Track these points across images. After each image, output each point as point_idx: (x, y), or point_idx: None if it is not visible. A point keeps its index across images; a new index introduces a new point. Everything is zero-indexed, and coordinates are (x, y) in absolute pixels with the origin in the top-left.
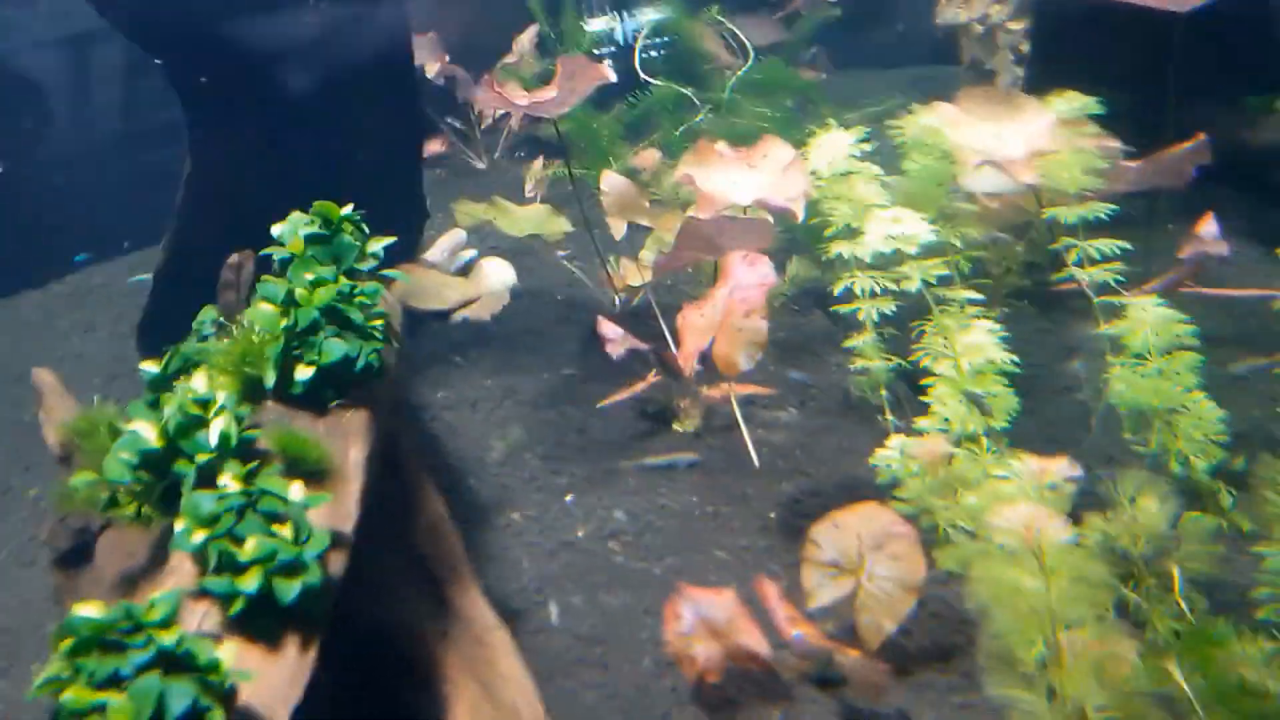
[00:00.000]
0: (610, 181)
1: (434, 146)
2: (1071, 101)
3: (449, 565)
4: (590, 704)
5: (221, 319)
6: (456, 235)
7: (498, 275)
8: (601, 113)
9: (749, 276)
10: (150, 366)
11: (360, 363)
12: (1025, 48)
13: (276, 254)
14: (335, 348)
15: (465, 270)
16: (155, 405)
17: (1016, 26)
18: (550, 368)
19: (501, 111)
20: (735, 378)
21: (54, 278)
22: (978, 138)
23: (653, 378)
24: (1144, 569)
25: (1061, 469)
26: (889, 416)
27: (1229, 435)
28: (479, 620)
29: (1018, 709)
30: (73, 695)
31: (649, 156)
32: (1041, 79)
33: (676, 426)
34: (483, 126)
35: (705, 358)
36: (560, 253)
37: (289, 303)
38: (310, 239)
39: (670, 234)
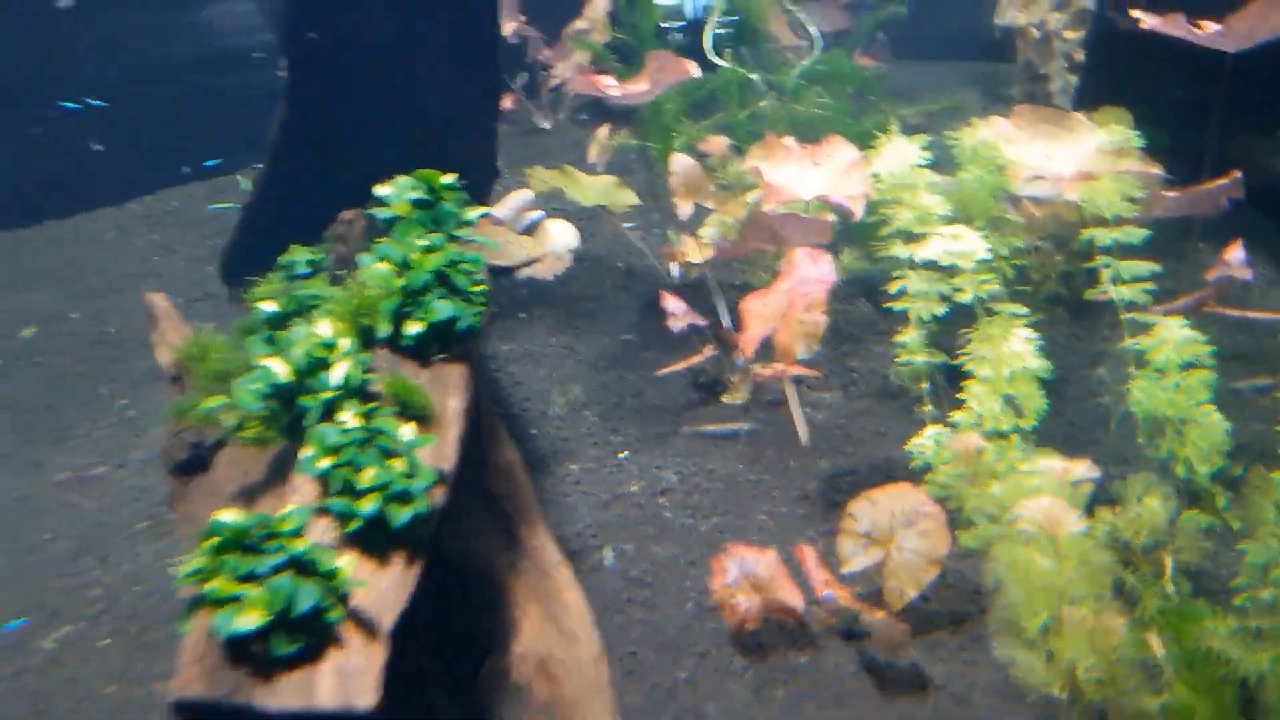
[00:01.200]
0: (679, 163)
1: (502, 103)
2: (1119, 132)
3: (520, 506)
4: (637, 638)
5: (330, 268)
6: (524, 195)
7: (561, 238)
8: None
9: (812, 271)
10: (268, 305)
11: (463, 324)
12: (1079, 56)
13: (381, 214)
14: (444, 308)
15: (530, 230)
16: (271, 341)
17: (1072, 35)
18: (609, 332)
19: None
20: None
21: (129, 198)
22: (1030, 154)
23: (708, 351)
24: (1142, 558)
25: (1083, 470)
26: (927, 407)
27: (1231, 445)
28: (545, 556)
29: (1020, 666)
30: (216, 586)
31: (717, 143)
32: (1093, 93)
33: (725, 399)
34: (549, 87)
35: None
36: (626, 224)
37: (404, 265)
38: (415, 203)
39: (731, 217)
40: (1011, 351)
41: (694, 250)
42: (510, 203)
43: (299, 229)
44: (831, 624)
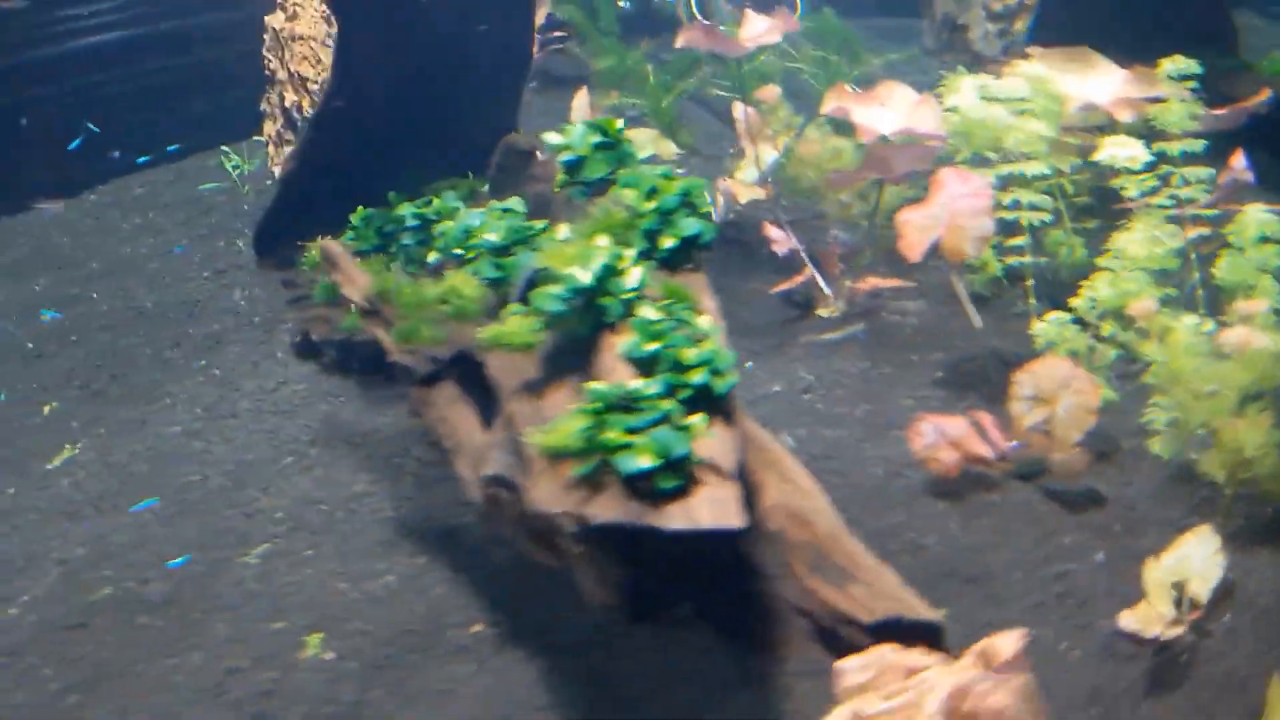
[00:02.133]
0: (741, 110)
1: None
2: (1178, 64)
3: None
4: (843, 497)
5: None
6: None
7: None
8: (630, 49)
9: (962, 187)
10: (492, 237)
11: (706, 237)
12: (997, 6)
13: (566, 155)
14: (691, 224)
15: None
16: (499, 267)
17: None
18: None
19: None
20: (881, 273)
21: (85, 186)
22: (1068, 87)
23: (807, 272)
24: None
25: (1261, 305)
26: (1032, 301)
27: None
28: (758, 437)
29: (1195, 463)
30: (610, 436)
31: (770, 92)
32: (1049, 34)
33: (820, 312)
34: None
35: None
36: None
37: (651, 191)
38: (597, 146)
39: (773, 155)
40: (1157, 236)
41: (740, 191)
42: None
43: (336, 198)
44: (1009, 470)
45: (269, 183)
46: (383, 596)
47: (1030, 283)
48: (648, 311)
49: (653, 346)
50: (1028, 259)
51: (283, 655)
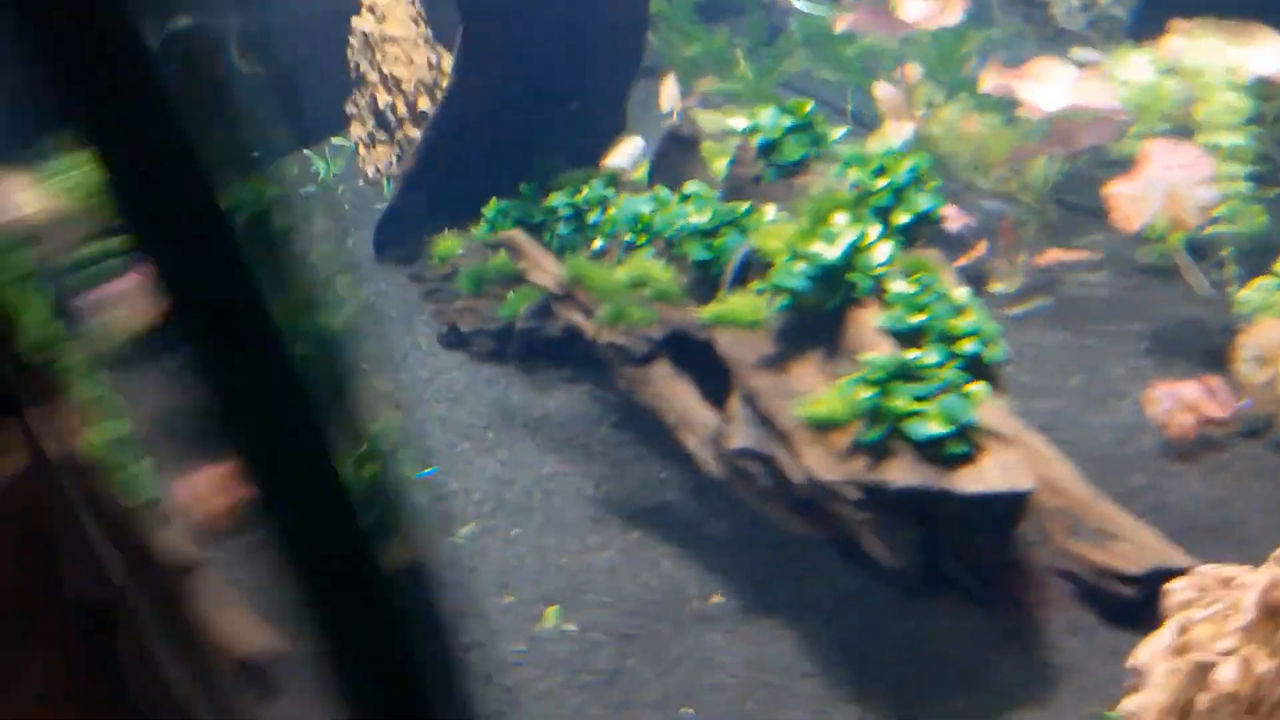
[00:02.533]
0: (885, 91)
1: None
2: None
3: None
4: (1078, 464)
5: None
6: (637, 142)
7: None
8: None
9: (1172, 159)
10: (699, 220)
11: (937, 213)
12: None
13: (760, 138)
14: (924, 200)
15: None
16: (709, 248)
17: None
18: None
19: None
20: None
21: None
22: (1234, 57)
23: (981, 248)
24: None
25: None
26: (1233, 268)
27: None
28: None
29: None
30: (895, 403)
31: (911, 70)
32: (1156, 11)
33: (996, 286)
34: None
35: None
36: None
37: (879, 170)
38: (791, 129)
39: (908, 132)
40: None
41: None
42: (625, 151)
43: (456, 194)
44: (1236, 430)
45: (361, 184)
46: (609, 570)
47: (1229, 251)
48: (901, 285)
49: (917, 319)
50: (1225, 228)
51: (522, 628)
